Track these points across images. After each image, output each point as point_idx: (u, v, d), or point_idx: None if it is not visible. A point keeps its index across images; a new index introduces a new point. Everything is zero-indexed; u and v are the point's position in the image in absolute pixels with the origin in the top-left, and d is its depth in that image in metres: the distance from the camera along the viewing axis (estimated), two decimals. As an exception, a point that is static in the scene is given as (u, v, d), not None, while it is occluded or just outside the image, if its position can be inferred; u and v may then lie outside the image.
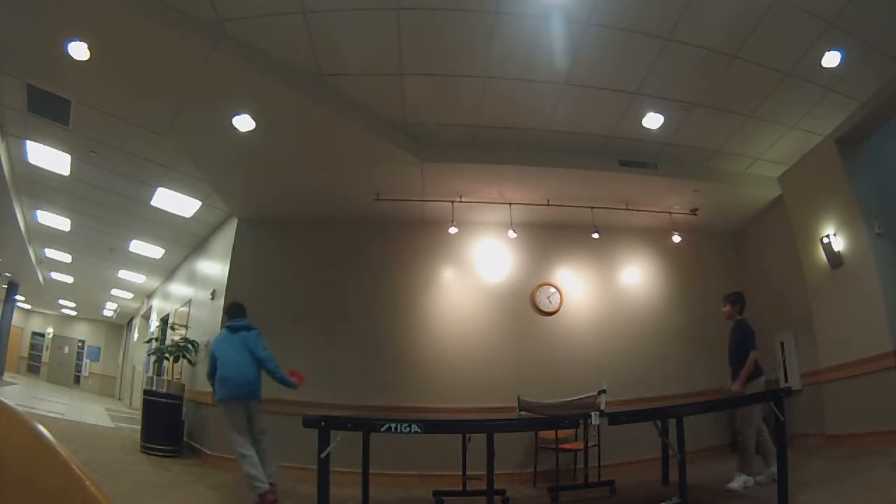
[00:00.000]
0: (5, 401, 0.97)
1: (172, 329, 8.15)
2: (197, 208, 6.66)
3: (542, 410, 4.78)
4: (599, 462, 4.92)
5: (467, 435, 4.35)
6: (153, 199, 6.51)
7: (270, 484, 3.92)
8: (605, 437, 4.92)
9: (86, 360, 18.57)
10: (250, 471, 3.85)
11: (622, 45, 4.12)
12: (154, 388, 6.20)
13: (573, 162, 5.43)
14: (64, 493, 0.87)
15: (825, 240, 5.23)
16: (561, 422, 4.25)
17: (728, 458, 5.60)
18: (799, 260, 5.62)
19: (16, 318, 15.45)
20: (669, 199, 6.09)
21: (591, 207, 5.98)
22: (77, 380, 18.45)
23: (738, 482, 3.99)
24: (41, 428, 0.94)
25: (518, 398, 4.97)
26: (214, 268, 6.98)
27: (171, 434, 6.00)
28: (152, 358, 8.08)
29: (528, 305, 6.22)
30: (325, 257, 6.17)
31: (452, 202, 5.84)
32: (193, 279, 8.09)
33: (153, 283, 11.13)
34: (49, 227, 8.18)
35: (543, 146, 5.38)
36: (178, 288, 9.27)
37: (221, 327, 4.57)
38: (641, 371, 5.93)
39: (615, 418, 3.43)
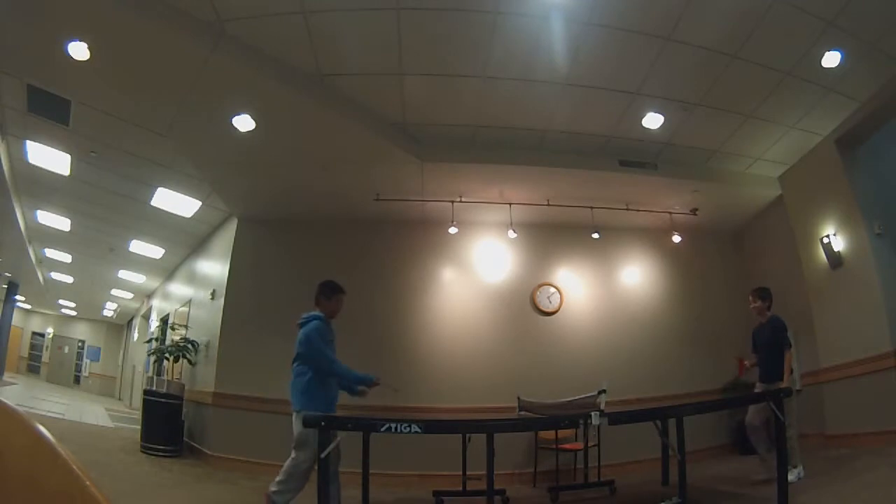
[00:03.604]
0: (5, 401, 0.97)
1: (172, 329, 8.14)
2: (197, 208, 6.66)
3: (542, 410, 4.79)
4: (599, 462, 4.91)
5: (467, 435, 4.35)
6: (153, 199, 6.51)
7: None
8: (606, 437, 4.91)
9: (86, 360, 18.58)
10: None
11: (622, 45, 4.12)
12: (154, 388, 6.20)
13: (573, 162, 5.42)
14: (64, 493, 0.87)
15: (825, 240, 5.23)
16: (561, 422, 4.25)
17: (728, 458, 5.62)
18: (799, 260, 5.62)
19: (16, 318, 15.44)
20: (669, 199, 6.08)
21: (591, 207, 5.98)
22: (77, 380, 18.46)
23: (792, 475, 3.75)
24: (41, 428, 0.94)
25: (518, 398, 4.97)
26: (214, 268, 6.98)
27: (171, 434, 5.99)
28: (152, 358, 8.08)
29: (528, 305, 6.22)
30: (325, 257, 6.16)
31: (452, 202, 5.84)
32: (193, 279, 8.09)
33: (153, 283, 11.13)
34: (49, 226, 8.19)
35: (543, 146, 5.38)
36: (178, 288, 9.27)
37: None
38: (642, 371, 5.93)
39: (615, 418, 3.43)
